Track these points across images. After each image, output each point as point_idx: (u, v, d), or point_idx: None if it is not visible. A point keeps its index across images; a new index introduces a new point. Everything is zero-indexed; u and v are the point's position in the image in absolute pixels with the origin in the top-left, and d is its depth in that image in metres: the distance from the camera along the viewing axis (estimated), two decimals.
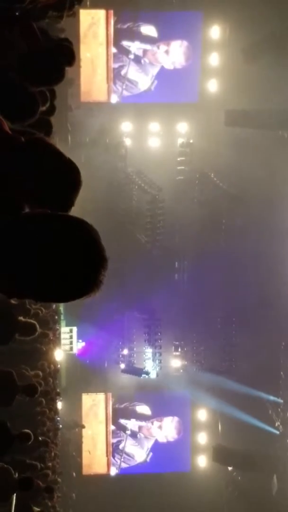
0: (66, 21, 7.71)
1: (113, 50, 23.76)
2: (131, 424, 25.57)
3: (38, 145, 2.06)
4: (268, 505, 22.51)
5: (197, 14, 23.49)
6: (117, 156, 23.93)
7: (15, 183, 1.91)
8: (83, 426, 24.44)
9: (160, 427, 25.73)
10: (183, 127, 24.55)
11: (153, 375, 24.10)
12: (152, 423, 25.67)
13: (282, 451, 23.50)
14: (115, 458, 25.59)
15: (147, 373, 23.89)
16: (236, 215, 23.63)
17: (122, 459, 25.59)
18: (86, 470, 24.89)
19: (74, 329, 22.76)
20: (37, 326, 7.01)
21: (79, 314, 22.13)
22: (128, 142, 24.31)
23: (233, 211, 23.77)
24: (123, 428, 25.61)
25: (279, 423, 23.71)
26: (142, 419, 25.58)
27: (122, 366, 24.34)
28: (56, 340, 18.64)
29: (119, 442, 25.62)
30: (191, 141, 23.95)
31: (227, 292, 22.73)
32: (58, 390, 17.07)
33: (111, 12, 23.23)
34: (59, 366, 18.64)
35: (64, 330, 22.47)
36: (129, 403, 25.42)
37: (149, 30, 23.68)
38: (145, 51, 24.02)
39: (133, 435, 25.65)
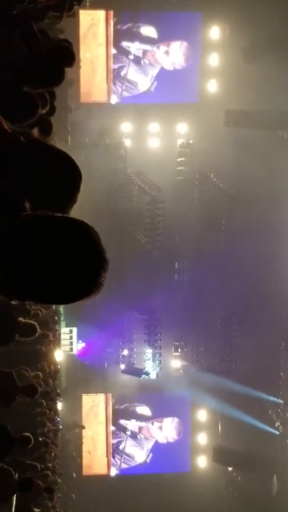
0: (65, 22, 7.71)
1: (113, 50, 23.76)
2: (131, 424, 25.57)
3: (38, 144, 2.07)
4: (268, 505, 22.52)
5: (196, 14, 23.50)
6: (117, 157, 23.93)
7: (15, 182, 1.91)
8: (83, 427, 24.44)
9: (160, 427, 25.72)
10: (183, 127, 24.55)
11: (153, 375, 24.10)
12: (152, 423, 25.66)
13: (282, 452, 23.50)
14: (115, 459, 25.59)
15: (147, 374, 23.89)
16: (236, 215, 23.62)
17: (122, 460, 25.59)
18: (86, 471, 24.88)
19: (74, 329, 22.75)
20: (37, 327, 7.01)
21: (79, 314, 22.14)
22: (128, 142, 24.31)
23: (233, 212, 23.77)
24: (123, 429, 25.61)
25: (279, 424, 23.71)
26: (142, 419, 25.58)
27: (122, 366, 24.35)
28: (56, 341, 18.64)
29: (119, 442, 25.62)
30: (191, 141, 23.96)
31: (227, 292, 22.73)
32: (58, 390, 17.08)
33: (111, 12, 23.23)
34: (59, 366, 18.62)
35: (64, 330, 22.47)
36: (129, 404, 25.41)
37: (148, 30, 23.69)
38: (145, 52, 24.02)
39: (133, 435, 25.65)
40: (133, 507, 22.99)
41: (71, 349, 22.82)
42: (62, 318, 22.27)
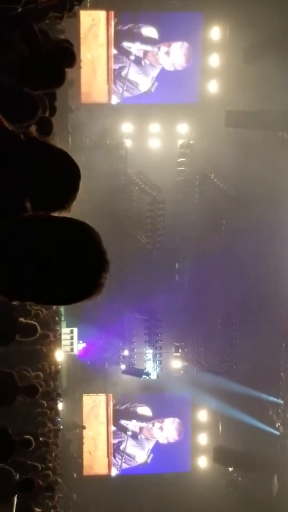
0: (66, 22, 7.70)
1: (114, 51, 23.76)
2: (132, 425, 25.56)
3: (37, 142, 2.07)
4: (268, 505, 22.52)
5: (197, 15, 23.49)
6: (117, 157, 23.93)
7: (15, 182, 1.91)
8: (83, 427, 24.43)
9: (161, 428, 25.71)
10: (183, 128, 24.55)
11: (153, 376, 24.09)
12: (153, 424, 25.65)
13: (283, 452, 23.49)
14: (116, 458, 25.58)
15: (148, 374, 23.88)
16: (236, 216, 23.61)
17: (123, 460, 25.59)
18: (87, 471, 24.88)
19: (75, 330, 22.74)
20: (38, 327, 7.02)
21: (80, 315, 22.14)
22: (128, 143, 24.31)
23: (233, 212, 23.76)
24: (124, 429, 25.61)
25: (279, 424, 23.70)
26: (143, 420, 25.57)
27: (123, 367, 24.34)
28: (57, 341, 18.63)
29: (120, 442, 25.62)
30: (192, 142, 23.95)
31: (228, 293, 22.71)
32: (59, 391, 17.09)
33: (112, 13, 23.23)
34: (59, 367, 18.63)
35: (64, 331, 22.46)
36: (130, 404, 25.40)
37: (149, 31, 23.69)
38: (145, 53, 24.02)
39: (134, 436, 25.64)
40: (134, 507, 22.99)
41: (72, 350, 22.81)
42: (62, 319, 22.26)
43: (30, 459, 7.96)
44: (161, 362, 24.10)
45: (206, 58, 23.93)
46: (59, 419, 18.65)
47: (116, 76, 24.13)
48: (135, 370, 24.09)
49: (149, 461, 25.68)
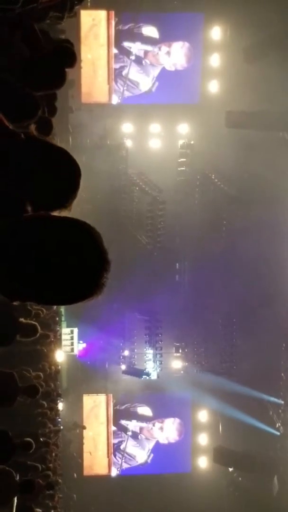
0: (67, 22, 7.68)
1: (114, 51, 23.76)
2: (132, 425, 25.56)
3: (37, 141, 2.07)
4: (268, 506, 22.52)
5: (198, 15, 23.49)
6: (118, 158, 23.93)
7: (16, 181, 1.91)
8: (84, 427, 24.43)
9: (161, 428, 25.70)
10: (184, 128, 24.55)
11: (153, 376, 24.08)
12: (154, 424, 25.65)
13: (283, 452, 23.48)
14: (116, 457, 25.58)
15: (148, 374, 23.87)
16: (236, 216, 23.61)
17: (123, 460, 25.58)
18: (87, 471, 24.87)
19: (75, 330, 22.74)
20: (38, 327, 7.01)
21: (80, 315, 22.13)
22: (129, 143, 24.31)
23: (234, 212, 23.76)
24: (124, 429, 25.60)
25: (279, 424, 23.69)
26: (143, 420, 25.57)
27: (123, 367, 24.34)
28: (57, 341, 18.64)
29: (120, 442, 25.62)
30: (192, 142, 23.96)
31: (228, 293, 22.70)
32: (59, 391, 17.08)
33: (112, 13, 23.23)
34: (60, 367, 18.63)
35: (65, 331, 22.47)
36: (130, 404, 25.40)
37: (150, 31, 23.69)
38: (146, 52, 24.02)
39: (134, 436, 25.64)
40: (134, 507, 22.99)
41: (72, 350, 22.82)
42: (63, 319, 22.27)
43: (30, 460, 7.95)
44: (161, 362, 24.09)
45: (207, 58, 23.93)
46: (59, 419, 18.64)
47: (116, 75, 24.13)
48: (135, 370, 24.08)
49: (149, 461, 25.68)
